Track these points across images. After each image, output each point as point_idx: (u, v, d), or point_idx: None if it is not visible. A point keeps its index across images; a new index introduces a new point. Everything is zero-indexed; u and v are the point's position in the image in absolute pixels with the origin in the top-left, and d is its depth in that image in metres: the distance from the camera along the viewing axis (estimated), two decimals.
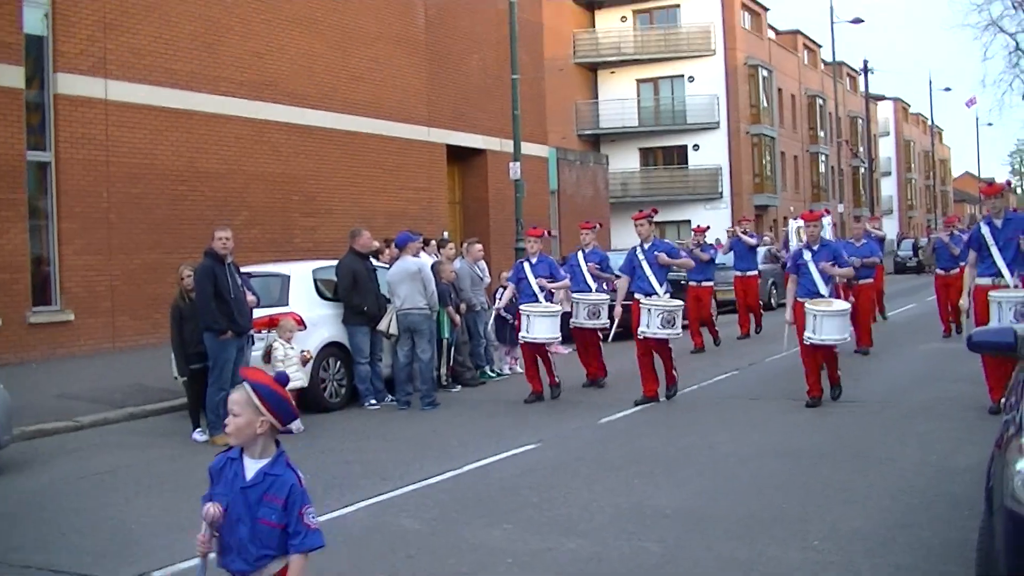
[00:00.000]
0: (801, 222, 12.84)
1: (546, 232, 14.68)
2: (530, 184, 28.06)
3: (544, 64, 34.51)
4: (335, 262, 14.01)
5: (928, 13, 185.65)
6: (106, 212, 18.51)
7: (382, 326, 13.34)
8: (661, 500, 7.97)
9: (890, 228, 79.12)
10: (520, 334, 13.40)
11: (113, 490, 9.16)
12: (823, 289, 11.93)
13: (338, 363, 13.49)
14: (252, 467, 4.06)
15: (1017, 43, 40.50)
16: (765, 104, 51.38)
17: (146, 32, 19.45)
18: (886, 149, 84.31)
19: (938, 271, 19.10)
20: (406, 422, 12.34)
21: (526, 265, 13.74)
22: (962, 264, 16.18)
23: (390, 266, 14.01)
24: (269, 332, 12.50)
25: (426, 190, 27.39)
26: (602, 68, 50.54)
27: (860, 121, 65.87)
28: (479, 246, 16.34)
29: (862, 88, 61.23)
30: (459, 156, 29.52)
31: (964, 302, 11.43)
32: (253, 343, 12.07)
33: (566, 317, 13.94)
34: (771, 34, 56.29)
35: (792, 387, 12.64)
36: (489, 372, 15.93)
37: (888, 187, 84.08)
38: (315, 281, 13.92)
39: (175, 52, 20.05)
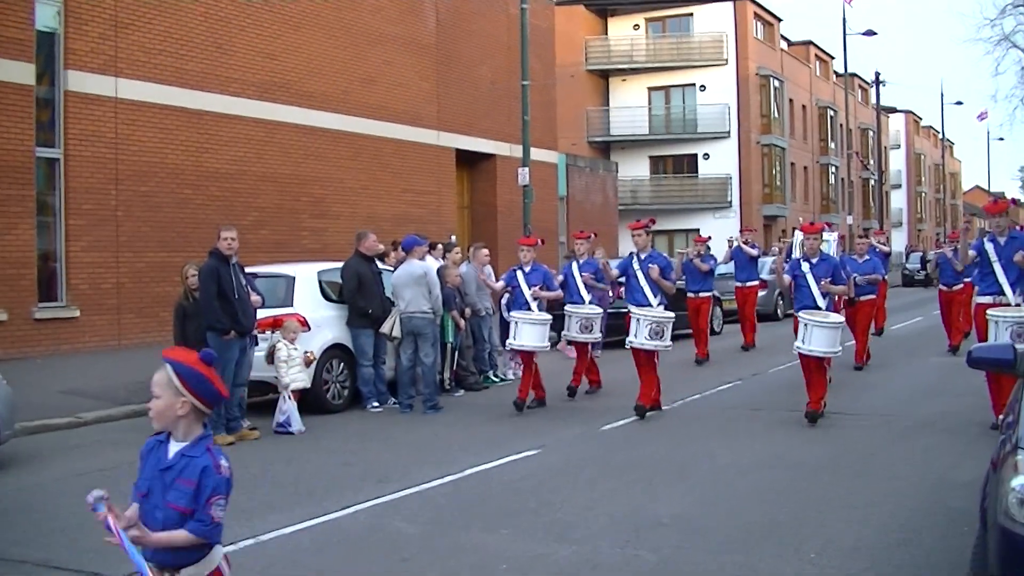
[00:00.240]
0: (802, 235, 12.66)
1: (539, 241, 14.50)
2: (539, 190, 28.09)
3: (555, 70, 34.53)
4: (341, 264, 14.02)
5: (940, 27, 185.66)
6: (114, 210, 18.57)
7: (385, 328, 13.34)
8: (659, 508, 7.97)
9: (899, 241, 79.08)
10: (508, 340, 13.37)
11: (112, 487, 9.10)
12: (820, 302, 11.78)
13: (341, 365, 13.49)
14: (173, 450, 3.90)
15: None
16: (776, 114, 51.35)
17: (157, 31, 19.52)
18: (897, 162, 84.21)
19: (941, 287, 19.16)
20: (408, 425, 12.34)
21: (519, 274, 13.47)
22: (966, 280, 16.16)
23: (395, 269, 14.02)
24: (273, 332, 12.51)
25: (434, 194, 27.42)
26: (614, 75, 50.56)
27: (871, 133, 65.75)
28: (485, 251, 16.28)
29: (873, 100, 61.13)
30: (468, 160, 29.56)
31: None
32: (257, 343, 12.10)
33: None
34: (783, 45, 56.24)
35: (794, 399, 12.61)
36: (493, 377, 15.92)
37: (898, 200, 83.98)
38: (320, 283, 13.93)
39: (186, 51, 20.13)
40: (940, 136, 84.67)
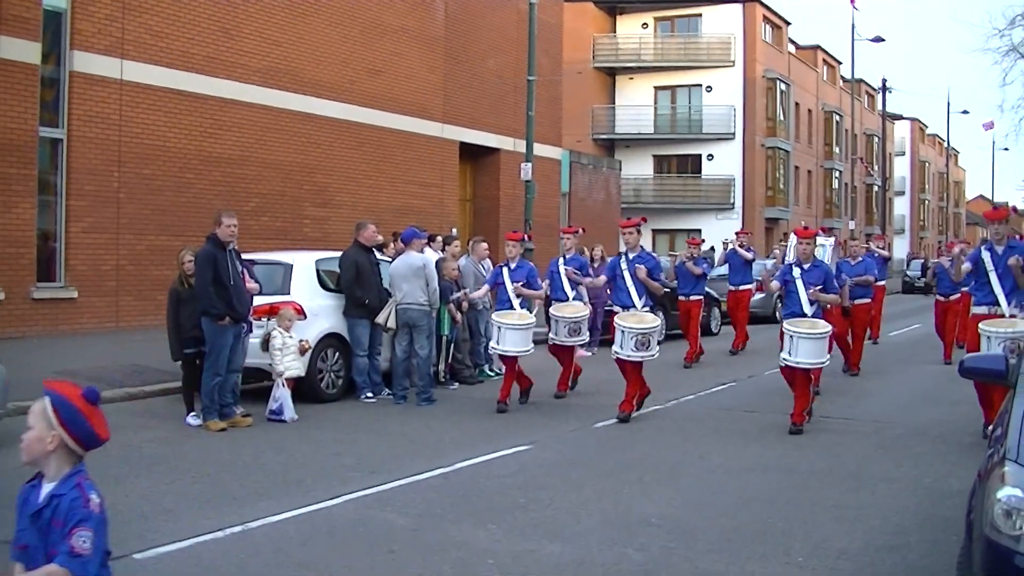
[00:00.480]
0: (795, 238, 12.35)
1: (525, 236, 14.27)
2: (542, 186, 28.07)
3: (562, 67, 34.48)
4: (339, 253, 13.99)
5: (949, 36, 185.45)
6: (116, 192, 18.55)
7: (380, 319, 13.31)
8: (648, 508, 7.96)
9: (901, 248, 79.08)
10: (491, 344, 13.17)
11: (100, 470, 9.09)
12: (807, 310, 11.53)
13: (336, 354, 13.47)
14: (44, 491, 3.65)
15: None
16: (782, 117, 51.32)
17: (165, 14, 19.49)
18: (901, 168, 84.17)
19: (938, 296, 19.04)
20: (401, 417, 12.33)
21: (504, 271, 13.35)
22: (963, 290, 16.08)
23: (394, 260, 14.01)
24: (269, 320, 12.50)
25: (437, 186, 27.39)
26: (621, 73, 50.52)
27: (876, 139, 65.77)
28: (484, 244, 16.24)
29: (879, 106, 61.14)
30: (472, 154, 29.52)
31: None
32: (252, 331, 12.08)
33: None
34: (791, 48, 56.19)
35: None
36: (488, 371, 15.90)
37: (901, 206, 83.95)
38: (318, 271, 13.90)
39: (193, 35, 20.09)
40: (945, 144, 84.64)
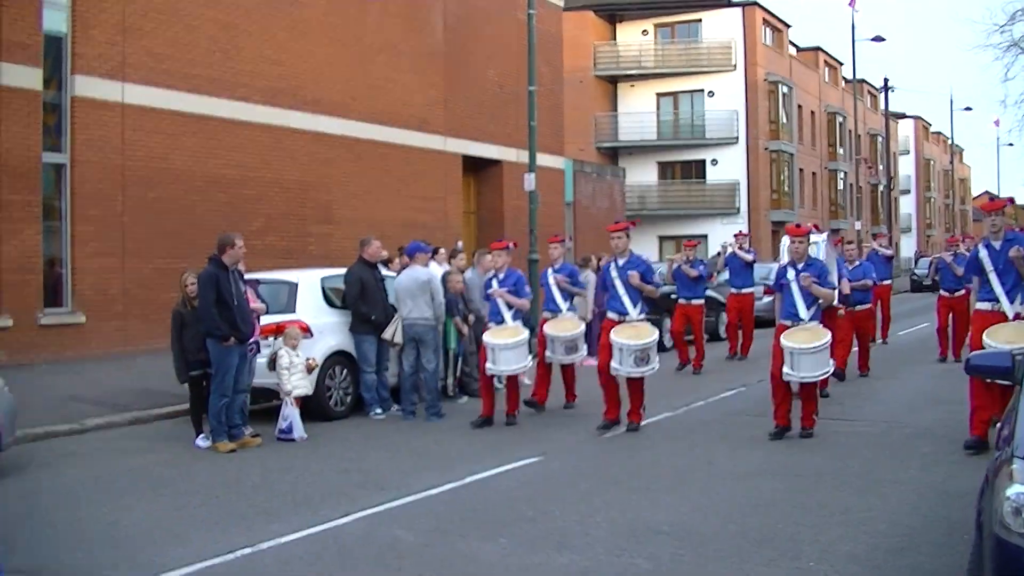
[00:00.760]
0: (788, 238, 11.83)
1: (511, 244, 14.03)
2: (546, 196, 28.02)
3: (564, 76, 34.50)
4: (344, 270, 13.99)
5: (949, 34, 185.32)
6: (120, 215, 18.60)
7: (387, 334, 13.32)
8: (657, 516, 7.95)
9: (908, 246, 79.00)
10: (487, 365, 12.59)
11: (110, 495, 9.18)
12: (803, 313, 11.17)
13: (344, 371, 13.47)
14: None
15: None
16: (784, 120, 51.31)
17: (165, 36, 19.56)
18: (906, 167, 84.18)
19: (942, 292, 18.53)
20: (410, 432, 12.32)
21: (494, 281, 13.16)
22: (967, 285, 15.76)
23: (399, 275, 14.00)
24: (276, 339, 12.50)
25: (441, 200, 27.41)
26: (622, 81, 50.54)
27: (880, 139, 65.72)
28: (490, 256, 16.21)
29: (882, 106, 61.12)
30: (475, 166, 29.54)
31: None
32: (259, 350, 12.10)
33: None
34: (792, 51, 56.21)
35: (797, 404, 12.51)
36: (496, 383, 15.83)
37: (907, 205, 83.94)
38: (323, 289, 13.90)
39: (194, 57, 20.16)
40: (949, 142, 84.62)
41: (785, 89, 51.38)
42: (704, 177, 49.64)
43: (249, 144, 21.46)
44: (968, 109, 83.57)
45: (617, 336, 11.70)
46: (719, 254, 21.75)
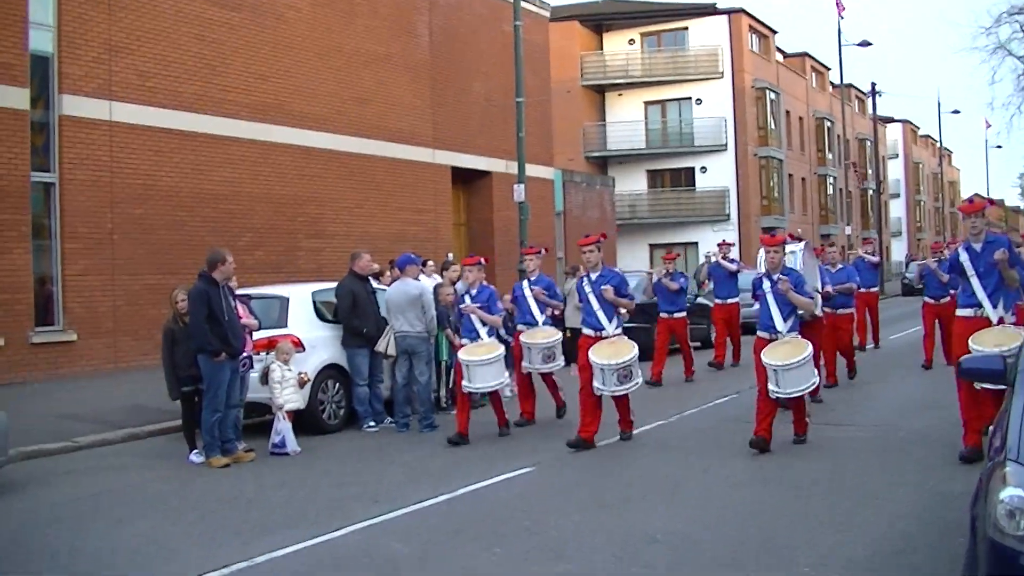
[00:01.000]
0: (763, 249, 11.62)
1: (482, 260, 13.86)
2: (535, 206, 28.06)
3: (551, 86, 34.57)
4: (335, 284, 13.98)
5: (936, 37, 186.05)
6: (109, 233, 18.59)
7: (380, 346, 13.32)
8: (653, 525, 7.94)
9: (899, 250, 79.15)
10: (463, 383, 12.20)
11: (104, 512, 9.15)
12: (780, 325, 11.03)
13: (337, 385, 13.46)
14: None
15: None
16: (773, 126, 51.42)
17: (151, 54, 19.57)
18: (895, 171, 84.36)
19: (927, 299, 18.14)
20: (404, 445, 12.30)
21: (467, 298, 12.97)
22: (952, 292, 15.52)
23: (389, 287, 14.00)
24: (268, 354, 12.50)
25: (431, 212, 27.43)
26: (610, 90, 50.60)
27: (868, 143, 65.89)
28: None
29: (870, 110, 61.29)
30: (464, 178, 29.57)
31: None
32: (252, 366, 12.08)
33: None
34: (779, 57, 56.35)
35: (789, 411, 12.53)
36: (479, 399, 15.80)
37: (897, 209, 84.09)
38: (315, 303, 13.89)
39: (179, 74, 20.17)
40: (938, 145, 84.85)
41: (773, 95, 51.50)
42: (694, 184, 49.72)
43: (237, 160, 21.46)
44: (956, 112, 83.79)
45: (596, 357, 11.38)
46: (704, 264, 21.62)
